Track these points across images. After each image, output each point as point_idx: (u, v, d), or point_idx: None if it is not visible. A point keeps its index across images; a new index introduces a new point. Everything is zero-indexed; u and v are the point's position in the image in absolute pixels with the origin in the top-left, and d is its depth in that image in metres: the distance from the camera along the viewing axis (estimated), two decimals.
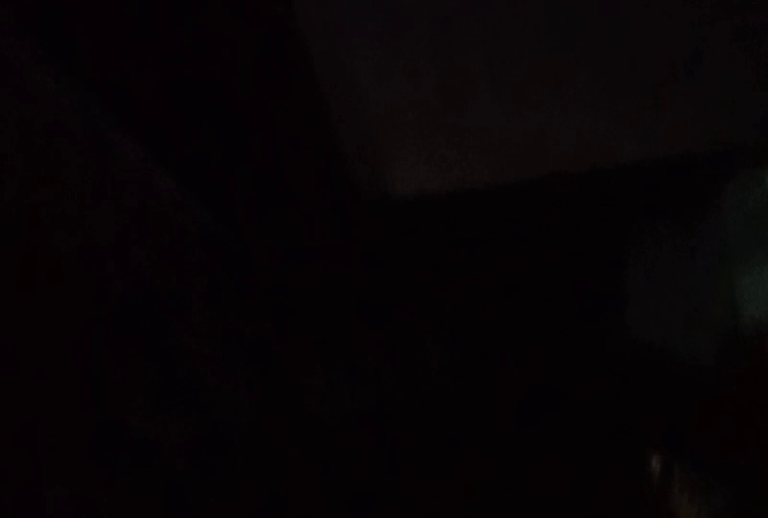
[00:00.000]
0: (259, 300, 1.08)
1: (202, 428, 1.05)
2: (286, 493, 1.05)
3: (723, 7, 1.07)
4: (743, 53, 1.07)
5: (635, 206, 1.14)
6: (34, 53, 1.03)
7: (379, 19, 1.07)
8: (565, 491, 1.04)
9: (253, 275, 1.08)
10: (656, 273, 1.10)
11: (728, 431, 1.03)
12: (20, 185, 1.03)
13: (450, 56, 1.08)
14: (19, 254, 1.03)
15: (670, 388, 1.05)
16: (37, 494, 1.00)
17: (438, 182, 1.07)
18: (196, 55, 1.02)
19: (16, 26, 1.03)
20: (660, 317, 1.08)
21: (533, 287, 1.14)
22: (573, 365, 1.09)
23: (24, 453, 1.01)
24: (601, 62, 1.08)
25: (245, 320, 1.08)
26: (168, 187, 1.05)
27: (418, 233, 1.11)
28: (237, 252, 1.08)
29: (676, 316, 1.07)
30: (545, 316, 1.12)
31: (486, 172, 1.07)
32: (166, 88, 1.05)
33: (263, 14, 1.00)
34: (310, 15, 1.00)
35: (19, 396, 1.02)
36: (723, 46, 1.06)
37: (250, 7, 0.99)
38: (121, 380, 1.04)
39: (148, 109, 1.06)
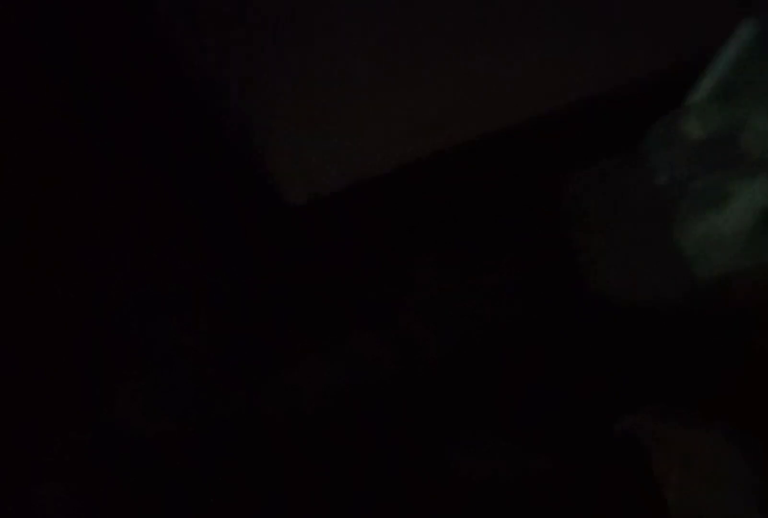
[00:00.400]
0: (259, 299, 1.08)
1: (202, 427, 1.05)
2: (286, 493, 1.04)
3: None
4: None
5: (560, 159, 1.09)
6: (35, 54, 1.03)
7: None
8: (565, 489, 1.04)
9: (252, 274, 1.08)
10: (606, 224, 1.07)
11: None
12: (21, 185, 1.03)
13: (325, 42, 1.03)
14: (19, 254, 1.03)
15: (654, 341, 1.04)
16: (32, 490, 1.00)
17: (343, 179, 1.04)
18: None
19: (16, 26, 1.03)
20: (621, 268, 1.05)
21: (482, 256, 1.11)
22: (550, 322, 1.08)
23: (22, 451, 1.01)
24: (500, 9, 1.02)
25: (245, 320, 1.08)
26: (167, 186, 1.05)
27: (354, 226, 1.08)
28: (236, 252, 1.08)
29: (637, 264, 1.04)
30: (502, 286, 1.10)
31: (391, 155, 1.03)
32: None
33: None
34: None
35: (18, 395, 1.02)
36: None
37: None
38: (120, 380, 1.04)
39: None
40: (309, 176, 1.04)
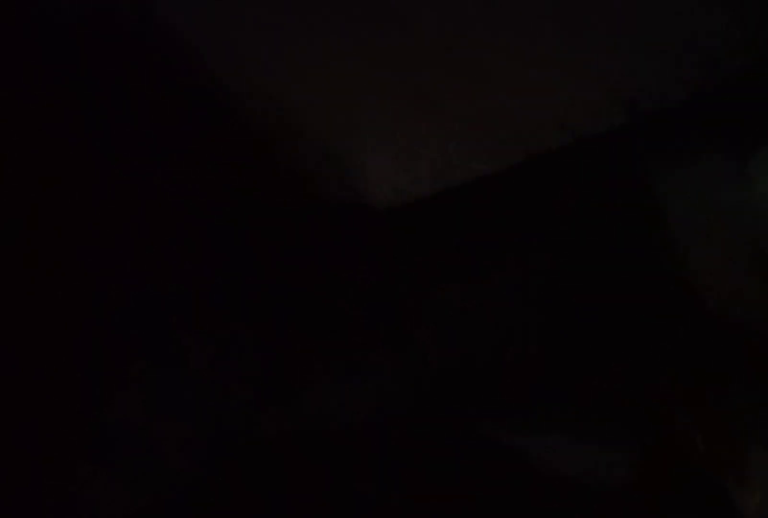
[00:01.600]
0: (260, 301, 1.08)
1: (202, 428, 1.05)
2: (287, 494, 1.04)
3: None
4: None
5: (635, 173, 1.09)
6: (35, 56, 1.04)
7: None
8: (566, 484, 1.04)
9: (253, 275, 1.08)
10: (702, 234, 1.05)
11: None
12: (21, 185, 1.03)
13: (398, 47, 1.01)
14: (19, 254, 1.03)
15: None
16: (33, 490, 1.00)
17: (417, 186, 1.04)
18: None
19: (17, 29, 1.04)
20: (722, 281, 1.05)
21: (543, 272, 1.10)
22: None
23: (22, 451, 1.01)
24: (562, 25, 1.01)
25: (246, 321, 1.08)
26: (167, 185, 1.05)
27: (410, 237, 1.08)
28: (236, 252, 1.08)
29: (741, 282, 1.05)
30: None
31: (467, 164, 1.03)
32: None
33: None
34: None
35: (18, 396, 1.02)
36: None
37: None
38: (121, 381, 1.04)
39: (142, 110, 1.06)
40: (397, 179, 1.04)
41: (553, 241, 1.09)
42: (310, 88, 1.01)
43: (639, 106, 1.03)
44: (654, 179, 1.07)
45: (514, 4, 1.00)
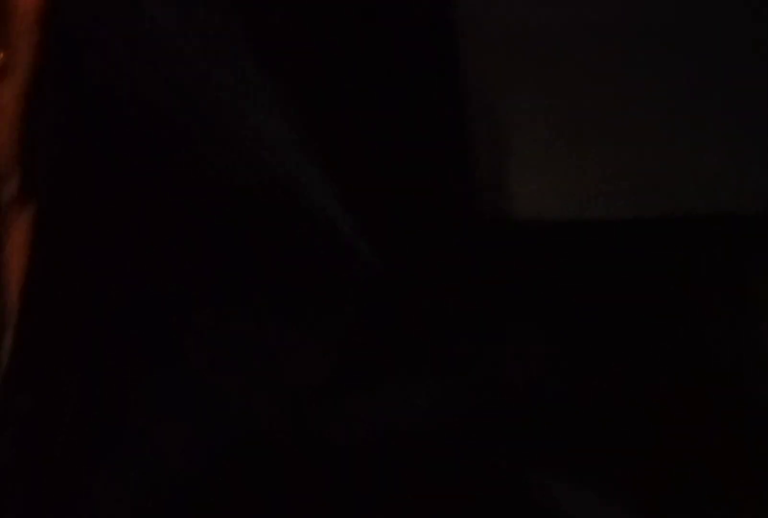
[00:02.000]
0: (260, 301, 1.08)
1: (202, 428, 1.05)
2: (287, 494, 1.04)
3: None
4: None
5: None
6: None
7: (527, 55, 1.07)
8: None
9: (254, 275, 1.08)
10: None
11: None
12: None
13: (573, 90, 1.08)
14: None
15: None
16: (33, 490, 1.00)
17: (557, 210, 1.09)
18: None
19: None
20: None
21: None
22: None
23: (22, 451, 1.01)
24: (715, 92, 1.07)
25: (246, 322, 1.08)
26: (167, 185, 1.05)
27: (528, 255, 1.10)
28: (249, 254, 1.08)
29: None
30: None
31: (604, 206, 1.08)
32: None
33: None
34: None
35: (17, 396, 1.02)
36: None
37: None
38: (121, 381, 1.04)
39: None
40: (534, 198, 1.09)
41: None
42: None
43: None
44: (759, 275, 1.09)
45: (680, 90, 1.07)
